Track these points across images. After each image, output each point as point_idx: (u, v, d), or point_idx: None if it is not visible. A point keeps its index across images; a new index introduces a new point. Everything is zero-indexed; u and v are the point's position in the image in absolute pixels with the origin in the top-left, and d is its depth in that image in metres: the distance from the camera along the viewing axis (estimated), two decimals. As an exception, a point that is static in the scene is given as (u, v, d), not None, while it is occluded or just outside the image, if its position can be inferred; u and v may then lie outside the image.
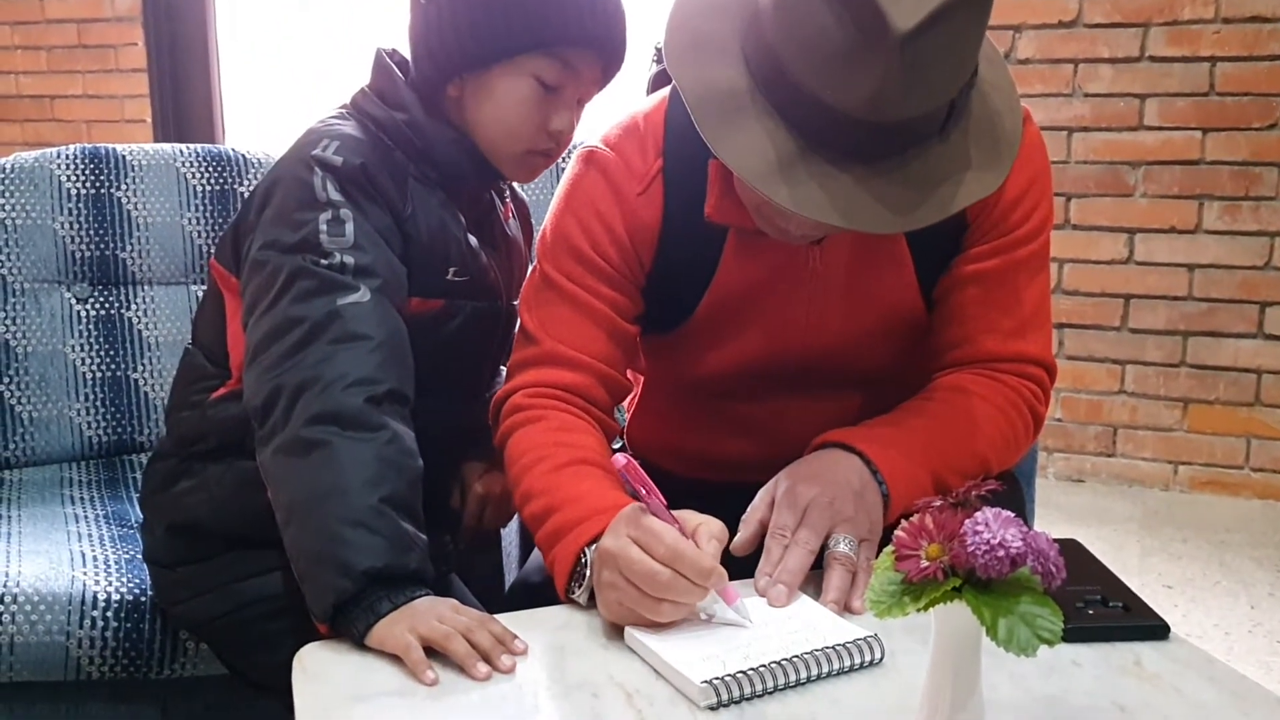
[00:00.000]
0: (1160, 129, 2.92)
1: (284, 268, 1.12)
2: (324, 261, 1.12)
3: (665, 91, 1.20)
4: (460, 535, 1.34)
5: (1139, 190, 2.97)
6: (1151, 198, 2.96)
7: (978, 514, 0.71)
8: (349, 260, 1.12)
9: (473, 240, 1.27)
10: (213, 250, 1.57)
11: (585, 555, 1.00)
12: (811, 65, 0.94)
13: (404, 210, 1.19)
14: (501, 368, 1.42)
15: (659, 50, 1.26)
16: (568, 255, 1.17)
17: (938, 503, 0.74)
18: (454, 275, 1.24)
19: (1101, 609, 0.99)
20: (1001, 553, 0.68)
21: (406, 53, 1.27)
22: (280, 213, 1.16)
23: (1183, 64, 2.88)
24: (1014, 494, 1.30)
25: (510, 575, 1.60)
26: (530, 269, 1.24)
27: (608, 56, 1.22)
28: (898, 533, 0.74)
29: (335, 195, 1.15)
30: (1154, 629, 0.97)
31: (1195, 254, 2.95)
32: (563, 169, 1.49)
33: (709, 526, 0.97)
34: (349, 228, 1.14)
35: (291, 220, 1.14)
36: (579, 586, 1.01)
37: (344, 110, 1.26)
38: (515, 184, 1.42)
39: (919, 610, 0.71)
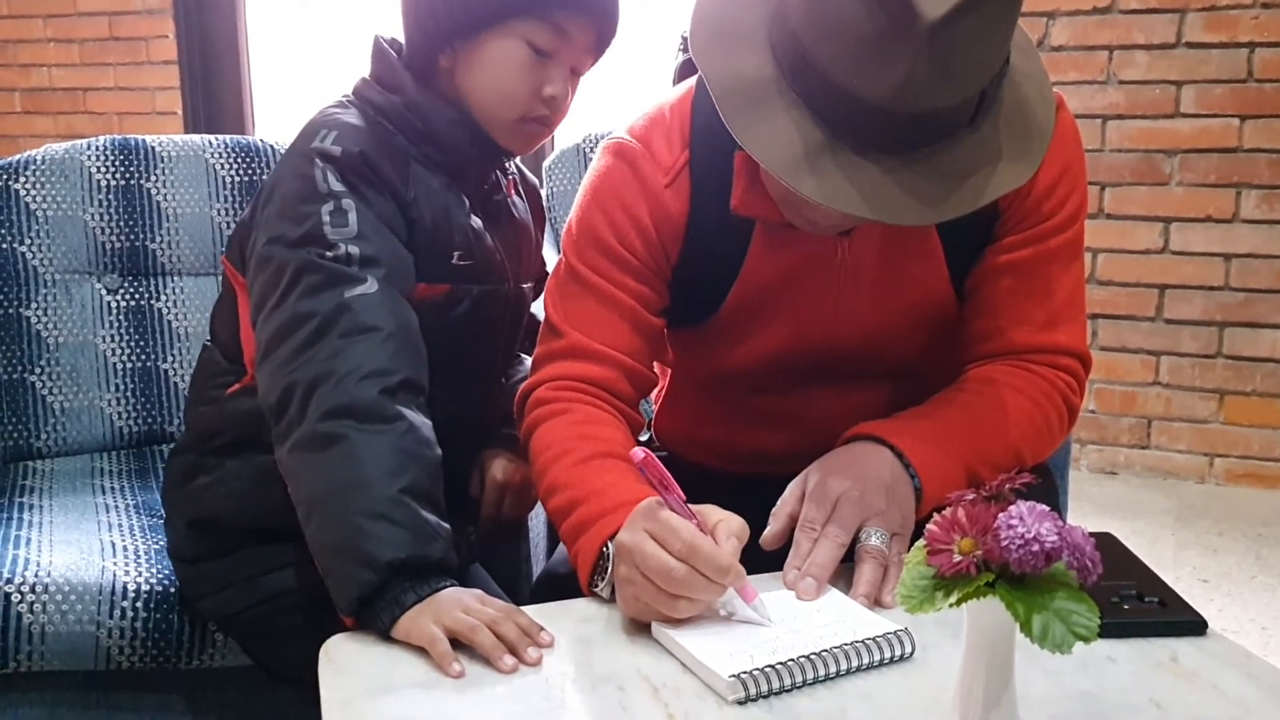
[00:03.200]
0: (1197, 116, 2.88)
1: (290, 263, 1.12)
2: (329, 254, 1.11)
3: (691, 82, 1.19)
4: (480, 524, 1.34)
5: (1175, 179, 2.93)
6: (1187, 186, 2.92)
7: (1012, 508, 0.70)
8: (354, 250, 1.12)
9: (476, 223, 1.26)
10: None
11: (608, 549, 1.00)
12: (839, 54, 0.92)
13: (407, 195, 1.19)
14: (521, 354, 1.41)
15: (685, 39, 1.25)
16: (593, 248, 1.16)
17: (970, 496, 0.72)
18: (459, 259, 1.23)
19: (1137, 604, 0.97)
20: (1036, 547, 0.67)
21: (402, 35, 1.26)
22: (283, 207, 1.15)
23: (1220, 50, 2.83)
24: (1048, 487, 1.28)
25: (537, 567, 1.59)
26: (557, 259, 1.23)
27: (599, 21, 1.21)
28: (930, 526, 0.73)
29: (336, 185, 1.14)
30: (1191, 624, 0.95)
31: (1232, 243, 2.90)
32: (590, 158, 1.48)
33: (729, 523, 0.96)
34: (352, 217, 1.13)
35: (295, 214, 1.14)
36: (602, 580, 1.00)
37: (344, 99, 1.26)
38: (523, 167, 1.41)
39: (951, 605, 0.70)
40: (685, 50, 1.26)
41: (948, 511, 0.72)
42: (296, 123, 1.23)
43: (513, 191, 1.36)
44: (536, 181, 1.47)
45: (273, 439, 1.09)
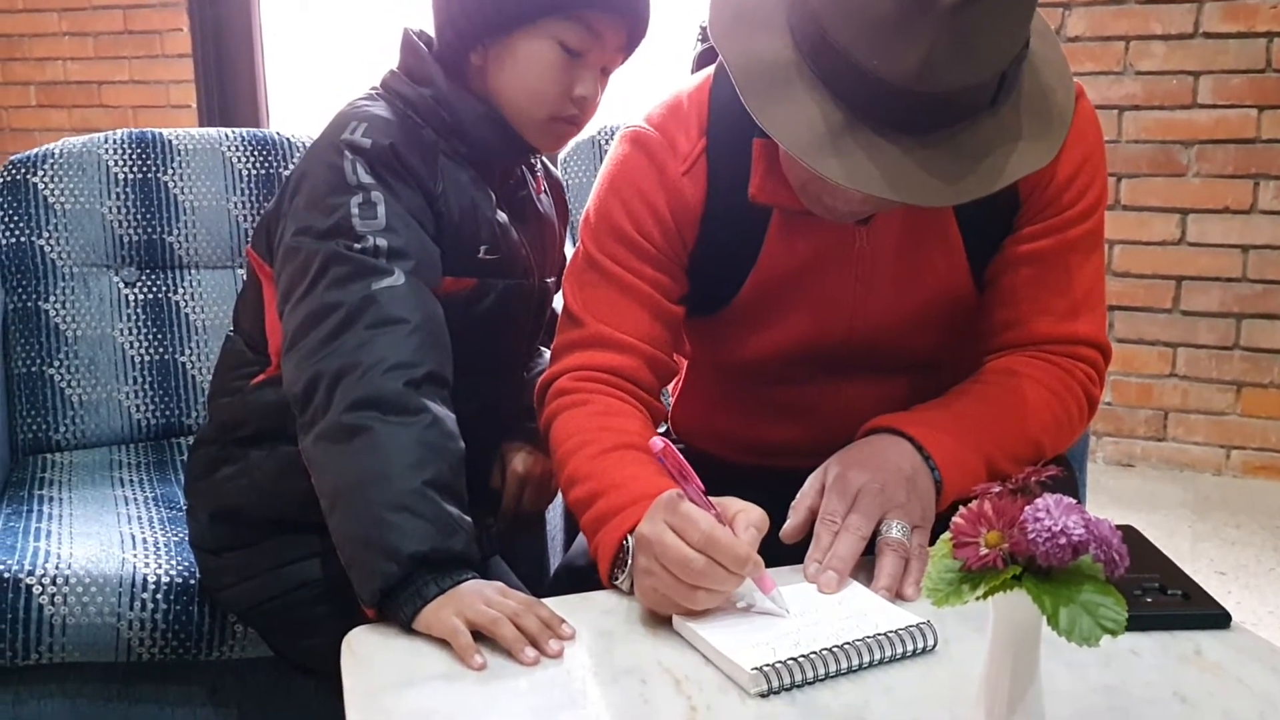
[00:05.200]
0: (1214, 107, 2.86)
1: (318, 254, 1.12)
2: (357, 246, 1.11)
3: (709, 70, 1.18)
4: (500, 516, 1.34)
5: (1192, 170, 2.91)
6: (1205, 177, 2.90)
7: (1038, 500, 0.69)
8: (382, 243, 1.12)
9: (503, 217, 1.26)
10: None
11: (628, 541, 0.99)
12: (859, 34, 0.92)
13: (435, 189, 1.19)
14: (541, 348, 1.41)
15: (704, 29, 1.25)
16: (611, 236, 1.16)
17: (997, 489, 0.72)
18: (485, 254, 1.23)
19: (1160, 597, 0.97)
20: (1063, 540, 0.67)
21: (431, 29, 1.26)
22: (312, 198, 1.15)
23: (1238, 40, 2.81)
24: (1069, 479, 1.27)
25: (555, 559, 1.59)
26: (575, 250, 1.23)
27: (631, 21, 1.20)
28: (956, 519, 0.72)
29: (366, 178, 1.14)
30: (1215, 618, 0.95)
31: (1250, 234, 2.88)
32: (605, 149, 1.48)
33: (748, 514, 0.96)
34: (381, 210, 1.13)
35: (323, 205, 1.14)
36: (622, 573, 1.00)
37: (373, 91, 1.26)
38: (547, 161, 1.41)
39: (978, 599, 0.69)
40: (704, 39, 1.26)
41: (974, 504, 0.72)
42: (311, 116, 1.24)
43: (539, 188, 1.36)
44: (561, 177, 1.46)
45: (297, 429, 1.09)
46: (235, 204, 1.83)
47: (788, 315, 1.19)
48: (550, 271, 1.37)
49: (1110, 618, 0.67)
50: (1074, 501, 0.69)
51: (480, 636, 0.93)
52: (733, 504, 0.97)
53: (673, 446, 0.95)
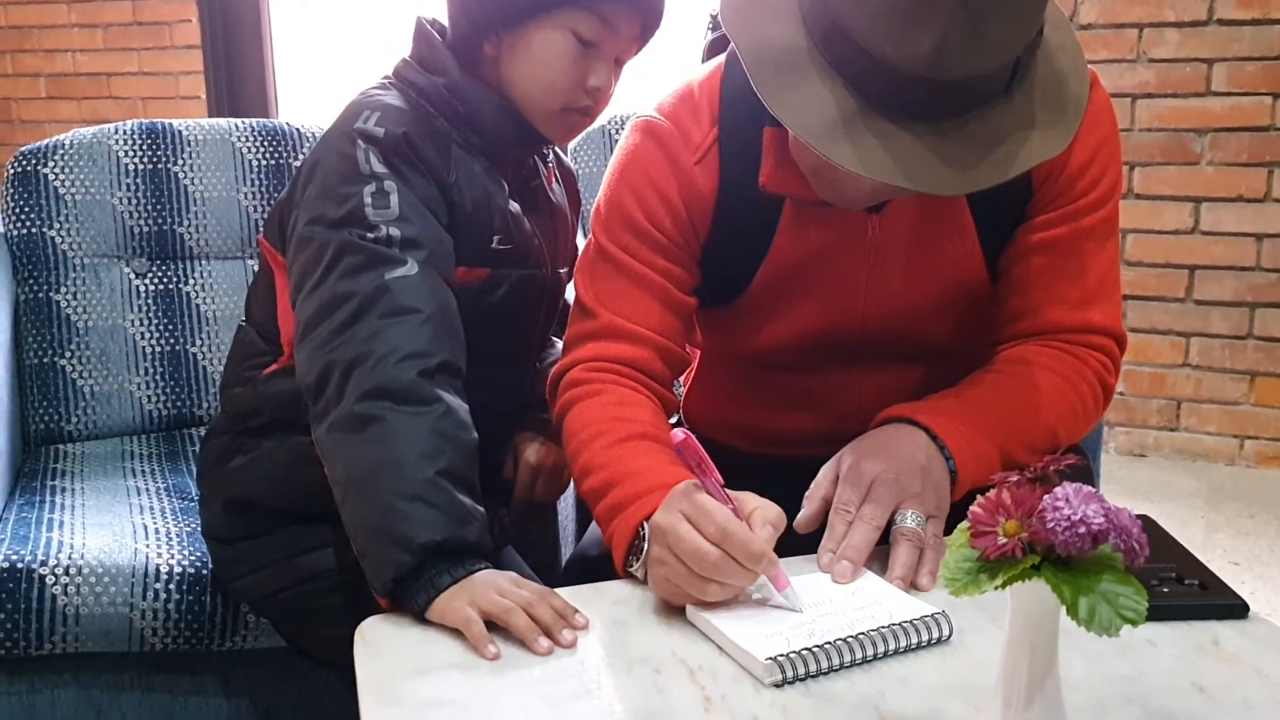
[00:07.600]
0: (1228, 94, 2.84)
1: (330, 243, 1.12)
2: (370, 235, 1.11)
3: (720, 59, 1.18)
4: (512, 507, 1.34)
5: (1205, 158, 2.89)
6: (1218, 166, 2.88)
7: (1057, 489, 0.69)
8: (395, 232, 1.11)
9: (515, 207, 1.26)
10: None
11: (644, 530, 0.99)
12: (871, 21, 0.91)
13: (448, 179, 1.18)
14: (554, 338, 1.41)
15: (714, 17, 1.24)
16: (622, 227, 1.16)
17: (1015, 477, 0.71)
18: (498, 244, 1.23)
19: (1177, 587, 0.96)
20: (1083, 529, 0.66)
21: (444, 18, 1.25)
22: (325, 187, 1.15)
23: (1253, 27, 2.79)
24: (1087, 468, 1.27)
25: (566, 549, 1.59)
26: (586, 240, 1.22)
27: (644, 12, 1.20)
28: (974, 508, 0.71)
29: (379, 167, 1.14)
30: (1232, 608, 0.94)
31: (1264, 223, 2.87)
32: (616, 139, 1.47)
33: (765, 511, 0.95)
34: (394, 199, 1.13)
35: (336, 194, 1.14)
36: (637, 561, 1.00)
37: (386, 80, 1.25)
38: (559, 151, 1.41)
39: (996, 588, 0.69)
40: (714, 28, 1.26)
41: (992, 493, 0.71)
42: (320, 106, 1.23)
43: (551, 178, 1.35)
44: (573, 167, 1.46)
45: (310, 419, 1.09)
46: (245, 194, 1.83)
47: (800, 305, 1.18)
48: (563, 262, 1.37)
49: (1130, 607, 0.67)
50: (1093, 490, 0.69)
51: (493, 626, 0.92)
52: (750, 500, 0.97)
53: (694, 439, 0.94)
